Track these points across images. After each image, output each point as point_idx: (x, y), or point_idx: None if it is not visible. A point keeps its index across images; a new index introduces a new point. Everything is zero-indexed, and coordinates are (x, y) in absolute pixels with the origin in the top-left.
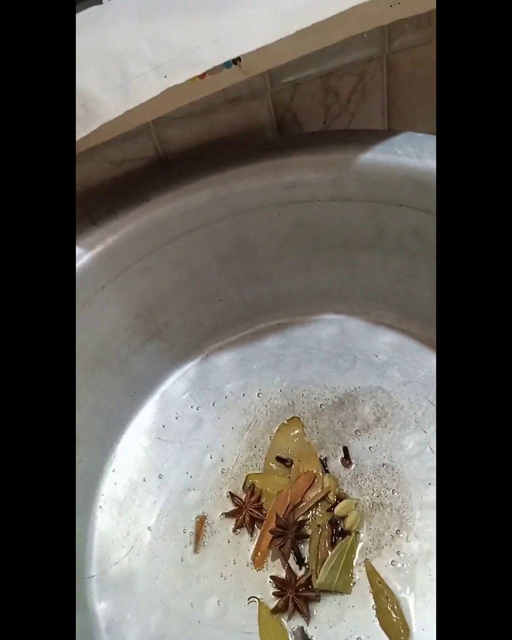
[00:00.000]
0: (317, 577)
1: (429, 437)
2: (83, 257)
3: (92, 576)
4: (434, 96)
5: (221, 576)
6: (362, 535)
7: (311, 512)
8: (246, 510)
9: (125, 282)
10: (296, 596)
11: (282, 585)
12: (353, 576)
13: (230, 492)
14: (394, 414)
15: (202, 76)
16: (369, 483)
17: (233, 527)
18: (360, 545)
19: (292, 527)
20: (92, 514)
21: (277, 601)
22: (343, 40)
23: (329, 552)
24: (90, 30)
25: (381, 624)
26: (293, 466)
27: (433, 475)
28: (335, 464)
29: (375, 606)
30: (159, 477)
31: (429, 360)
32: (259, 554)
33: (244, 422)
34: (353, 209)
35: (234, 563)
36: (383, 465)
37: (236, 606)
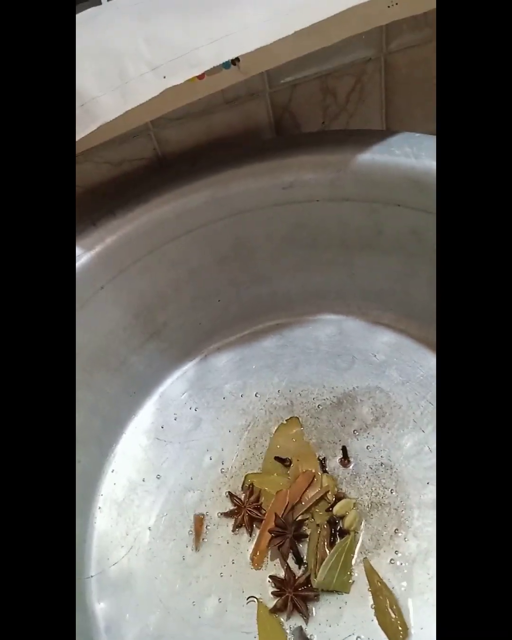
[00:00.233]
0: (316, 577)
1: (427, 437)
2: (82, 257)
3: (91, 576)
4: (432, 97)
5: (220, 576)
6: (360, 534)
7: (309, 511)
8: (245, 510)
9: (124, 282)
10: (295, 595)
11: (281, 585)
12: (352, 575)
13: (229, 492)
14: (392, 414)
15: (201, 77)
16: (367, 482)
17: (232, 527)
18: (359, 544)
19: (291, 526)
20: (91, 514)
21: (276, 601)
22: (341, 41)
23: (328, 552)
24: (89, 31)
25: (379, 623)
26: (292, 466)
27: (431, 474)
28: (334, 463)
29: (374, 605)
30: (158, 478)
31: (427, 360)
32: (258, 554)
33: (242, 422)
34: (351, 209)
35: (233, 563)
36: (381, 465)
37: (235, 606)
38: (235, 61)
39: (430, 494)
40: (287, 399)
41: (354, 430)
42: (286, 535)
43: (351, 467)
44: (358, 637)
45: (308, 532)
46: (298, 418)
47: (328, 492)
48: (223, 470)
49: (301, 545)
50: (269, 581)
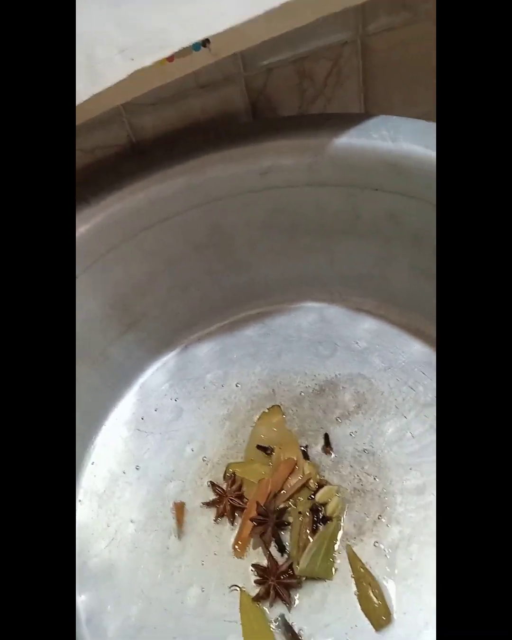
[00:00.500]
0: (298, 564)
1: (409, 423)
2: None
3: None
4: (411, 80)
5: (202, 565)
6: (343, 521)
7: (292, 499)
8: (227, 499)
9: (98, 272)
10: (278, 583)
11: (263, 573)
12: (335, 562)
13: (211, 482)
14: (374, 400)
15: (170, 59)
16: (350, 469)
17: (214, 516)
18: (341, 531)
19: (273, 514)
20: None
21: (258, 589)
22: (316, 22)
23: (311, 539)
24: None
25: (362, 609)
26: (274, 454)
27: (414, 460)
28: (316, 451)
29: (357, 591)
30: (139, 469)
31: (408, 346)
32: (240, 543)
33: (224, 412)
34: (329, 194)
35: (215, 553)
36: (364, 451)
37: (217, 595)
38: (205, 43)
39: (412, 479)
40: (269, 388)
41: (336, 417)
42: (268, 524)
43: (333, 454)
44: (342, 623)
45: (290, 520)
46: (280, 406)
47: (310, 479)
48: (205, 459)
49: (283, 533)
50: (251, 570)
